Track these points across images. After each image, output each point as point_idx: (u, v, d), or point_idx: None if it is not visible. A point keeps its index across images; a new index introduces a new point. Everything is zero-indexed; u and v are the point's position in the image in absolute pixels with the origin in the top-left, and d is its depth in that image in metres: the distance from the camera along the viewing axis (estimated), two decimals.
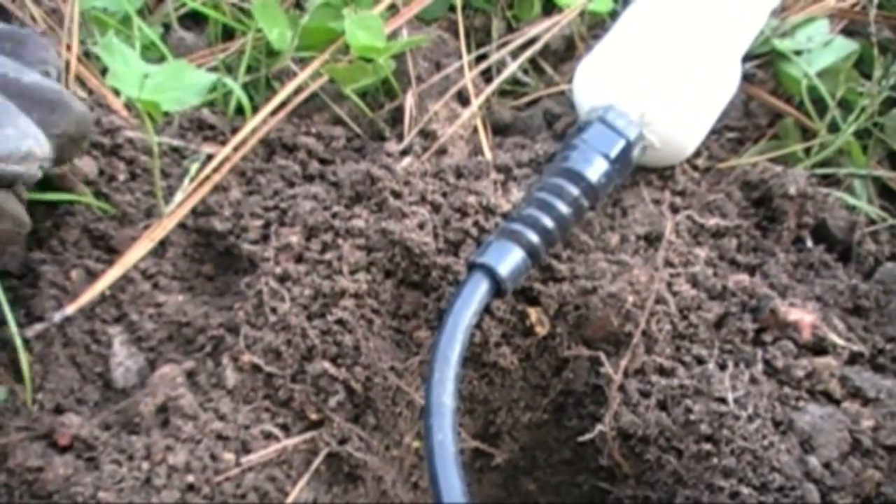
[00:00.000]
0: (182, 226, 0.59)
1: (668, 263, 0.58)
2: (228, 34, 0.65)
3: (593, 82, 0.60)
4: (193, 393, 0.54)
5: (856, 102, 0.63)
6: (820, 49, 0.65)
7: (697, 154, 0.63)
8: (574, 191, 0.56)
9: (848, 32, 0.67)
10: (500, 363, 0.57)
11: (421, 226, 0.56)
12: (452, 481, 0.49)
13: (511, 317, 0.57)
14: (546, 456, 0.61)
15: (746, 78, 0.66)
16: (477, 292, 0.53)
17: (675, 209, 0.60)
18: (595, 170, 0.57)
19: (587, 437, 0.55)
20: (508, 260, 0.54)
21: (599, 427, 0.55)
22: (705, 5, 0.62)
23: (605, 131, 0.58)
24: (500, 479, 0.62)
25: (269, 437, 0.54)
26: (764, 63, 0.67)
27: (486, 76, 0.64)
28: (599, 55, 0.60)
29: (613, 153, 0.57)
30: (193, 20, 0.67)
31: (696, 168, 0.63)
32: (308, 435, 0.54)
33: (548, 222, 0.55)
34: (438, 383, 0.51)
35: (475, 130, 0.60)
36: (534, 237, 0.55)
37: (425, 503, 0.59)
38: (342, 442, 0.55)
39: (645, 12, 0.62)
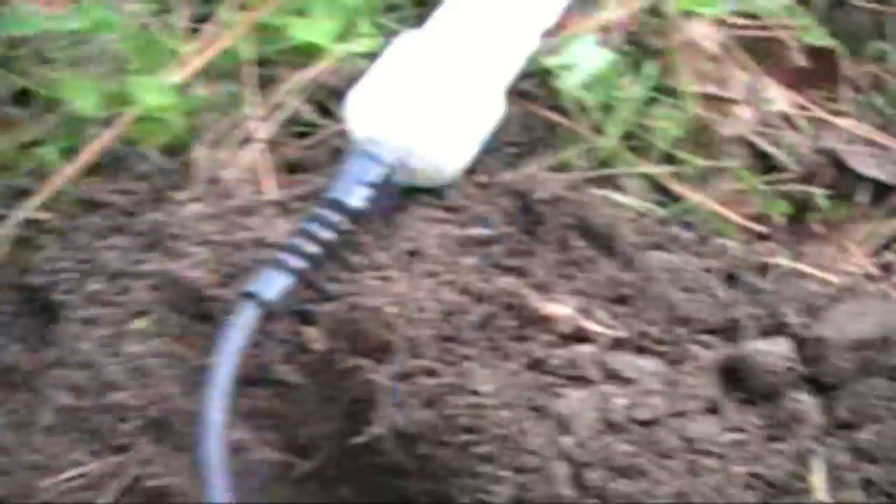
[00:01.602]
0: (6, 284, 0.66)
1: (433, 274, 0.63)
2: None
3: (358, 114, 0.66)
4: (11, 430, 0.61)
5: (620, 107, 0.68)
6: (585, 61, 0.70)
7: (474, 171, 0.69)
8: (335, 217, 0.62)
9: (612, 43, 0.72)
10: (289, 380, 0.63)
11: (200, 264, 0.62)
12: (222, 496, 0.55)
13: (291, 337, 0.62)
14: (351, 461, 0.66)
15: (524, 95, 0.72)
16: (247, 319, 0.59)
17: (443, 223, 0.65)
18: (356, 197, 0.63)
19: (361, 439, 0.60)
20: (276, 286, 0.60)
21: (374, 430, 0.60)
22: (464, 38, 0.67)
23: (364, 160, 0.64)
24: (318, 486, 0.67)
25: (77, 464, 0.60)
26: (540, 81, 0.72)
27: (276, 120, 0.70)
28: (361, 89, 0.66)
29: (371, 180, 0.63)
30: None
31: (475, 184, 0.69)
32: (114, 459, 0.61)
33: (312, 248, 0.61)
34: (211, 406, 0.57)
35: (262, 172, 0.67)
36: (298, 263, 0.61)
37: None
38: (146, 465, 0.61)
39: (406, 45, 0.67)
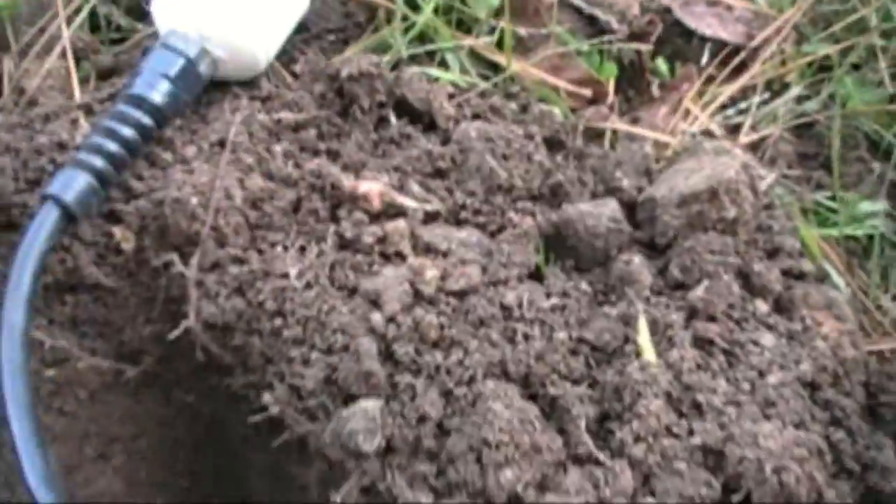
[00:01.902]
0: None
1: (240, 162, 0.61)
2: None
3: (160, 8, 0.64)
4: None
5: None
6: None
7: (293, 60, 0.67)
8: (136, 114, 0.60)
9: None
10: (104, 283, 0.61)
11: (1, 172, 0.61)
12: (21, 392, 0.54)
13: (101, 238, 0.61)
14: (184, 364, 0.65)
15: None
16: (47, 221, 0.58)
17: (253, 112, 0.63)
18: (158, 91, 0.61)
19: (176, 333, 0.59)
20: (74, 187, 0.58)
21: (185, 323, 0.59)
22: None
23: (166, 53, 0.62)
24: (153, 392, 0.66)
25: None
26: None
27: (83, 26, 0.68)
28: None
29: (174, 72, 0.61)
30: None
31: (293, 74, 0.67)
32: None
33: (112, 146, 0.59)
34: (10, 307, 0.56)
35: (68, 78, 0.65)
36: (98, 162, 0.59)
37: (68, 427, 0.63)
38: None
39: None
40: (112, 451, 0.66)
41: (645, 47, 0.65)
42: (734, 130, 0.68)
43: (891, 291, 0.67)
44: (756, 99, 0.68)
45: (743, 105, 0.68)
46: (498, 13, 0.66)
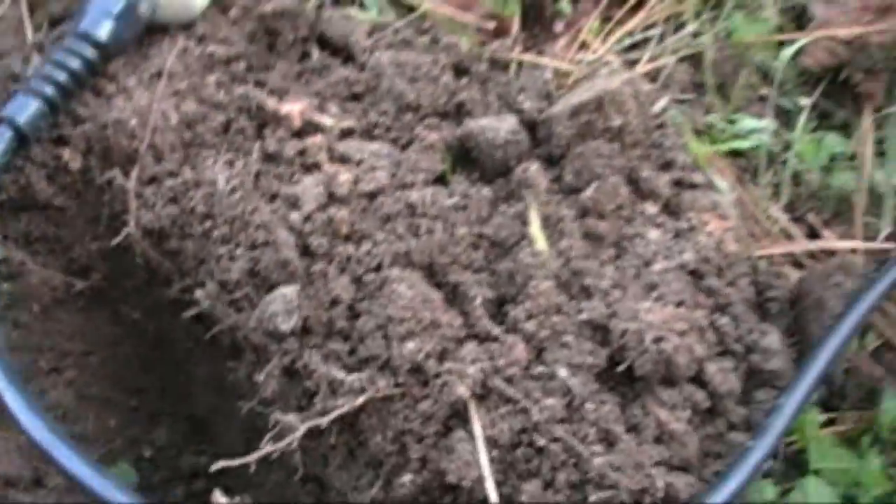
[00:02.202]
0: None
1: (176, 90, 0.68)
2: None
3: None
4: None
5: None
6: None
7: (228, 7, 0.74)
8: (83, 48, 0.67)
9: None
10: (55, 202, 0.68)
11: None
12: None
13: (51, 161, 0.68)
14: (128, 280, 0.71)
15: None
16: (1, 140, 0.65)
17: (188, 49, 0.70)
18: (102, 29, 0.68)
19: (117, 240, 0.65)
20: (27, 111, 0.65)
21: (126, 230, 0.65)
22: None
23: None
24: (108, 311, 0.72)
25: None
26: None
27: None
28: None
29: (117, 11, 0.69)
30: None
31: (225, 18, 0.74)
32: None
33: (61, 77, 0.66)
34: None
35: (24, 25, 0.72)
36: (49, 90, 0.66)
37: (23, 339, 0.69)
38: None
39: None
40: (64, 366, 0.72)
41: None
42: (633, 64, 0.75)
43: (781, 202, 0.72)
44: (654, 33, 0.75)
45: (640, 37, 0.75)
46: None
